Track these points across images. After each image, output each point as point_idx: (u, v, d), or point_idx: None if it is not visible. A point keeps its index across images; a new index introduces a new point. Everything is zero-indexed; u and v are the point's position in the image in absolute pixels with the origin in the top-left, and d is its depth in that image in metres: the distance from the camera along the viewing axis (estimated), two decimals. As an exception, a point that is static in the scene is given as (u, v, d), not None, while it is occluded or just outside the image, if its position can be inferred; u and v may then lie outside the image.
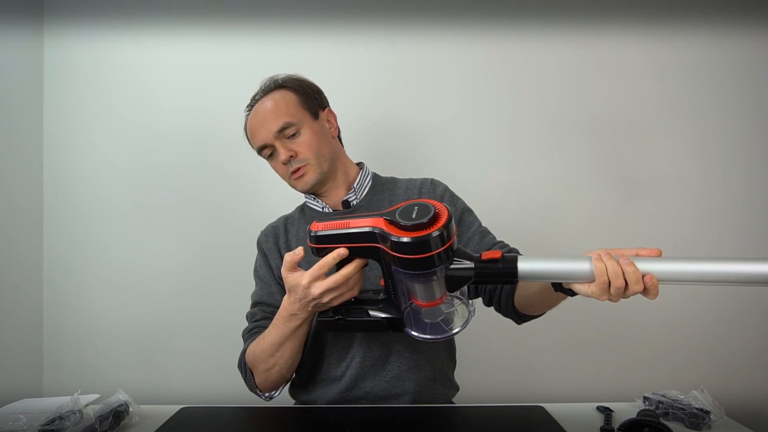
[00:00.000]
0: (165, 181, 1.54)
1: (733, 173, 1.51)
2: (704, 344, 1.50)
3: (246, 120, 1.04)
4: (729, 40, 1.50)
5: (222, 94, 1.53)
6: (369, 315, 0.79)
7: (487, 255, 0.69)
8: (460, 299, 0.75)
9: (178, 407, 0.91)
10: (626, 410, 0.87)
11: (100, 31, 1.54)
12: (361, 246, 0.72)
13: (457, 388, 1.07)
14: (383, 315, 0.78)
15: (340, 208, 1.04)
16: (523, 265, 0.68)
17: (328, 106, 1.08)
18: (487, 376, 1.48)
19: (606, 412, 0.85)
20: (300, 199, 1.12)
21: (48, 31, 1.55)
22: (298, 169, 0.98)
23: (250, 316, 1.02)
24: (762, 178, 1.51)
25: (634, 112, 1.52)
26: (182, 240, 1.54)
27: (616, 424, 0.78)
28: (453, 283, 0.70)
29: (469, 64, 1.52)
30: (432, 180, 1.07)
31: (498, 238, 1.00)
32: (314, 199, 1.06)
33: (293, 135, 0.98)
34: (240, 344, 0.99)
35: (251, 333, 0.98)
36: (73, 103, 1.55)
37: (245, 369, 0.95)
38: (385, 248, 0.68)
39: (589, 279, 0.66)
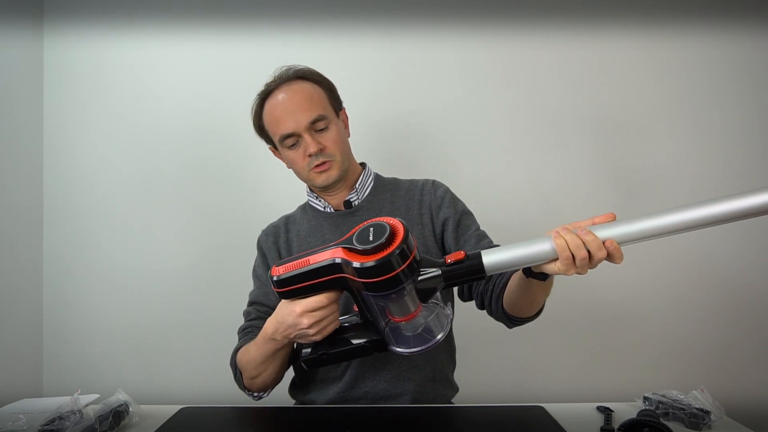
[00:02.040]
0: (165, 181, 1.54)
1: (732, 173, 1.51)
2: (704, 344, 1.50)
3: (261, 106, 1.02)
4: (729, 40, 1.50)
5: (222, 94, 1.53)
6: (351, 343, 0.77)
7: (451, 257, 0.70)
8: (436, 304, 0.74)
9: (178, 407, 0.91)
10: (626, 410, 0.87)
11: (100, 31, 1.54)
12: (326, 280, 0.71)
13: (456, 389, 1.07)
14: (364, 339, 0.77)
15: (342, 208, 1.04)
16: (488, 258, 0.68)
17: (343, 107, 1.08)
18: (486, 376, 1.48)
19: (606, 412, 0.85)
20: (301, 198, 1.12)
21: (48, 31, 1.55)
22: (324, 163, 0.98)
23: (245, 314, 1.03)
24: (762, 178, 1.50)
25: (634, 112, 1.52)
26: (182, 240, 1.54)
27: (616, 424, 0.78)
28: (424, 293, 0.70)
29: (469, 64, 1.52)
30: (433, 181, 1.07)
31: (497, 239, 1.00)
32: (317, 198, 1.06)
33: (323, 129, 0.98)
34: (238, 344, 0.99)
35: (245, 332, 0.99)
36: (73, 103, 1.55)
37: (235, 368, 0.96)
38: (350, 276, 0.68)
39: (553, 257, 0.67)
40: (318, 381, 1.00)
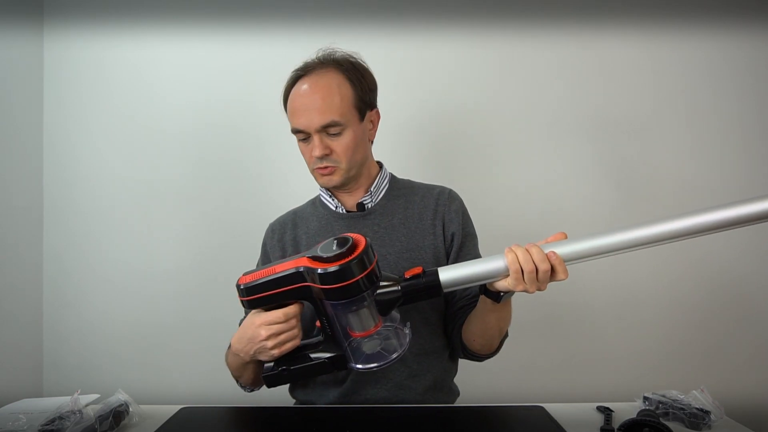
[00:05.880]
0: (165, 180, 1.54)
1: (732, 173, 1.51)
2: (704, 344, 1.50)
3: (293, 86, 0.97)
4: (729, 40, 1.50)
5: (224, 93, 1.52)
6: (311, 359, 0.79)
7: (409, 272, 0.74)
8: (394, 324, 0.77)
9: (178, 407, 0.91)
10: (626, 410, 0.86)
11: (100, 30, 1.54)
12: (290, 288, 0.74)
13: (457, 394, 1.06)
14: (326, 355, 0.79)
15: (355, 210, 1.02)
16: (444, 275, 0.73)
17: (377, 106, 1.03)
18: (487, 376, 1.48)
19: (606, 412, 0.85)
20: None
21: (48, 31, 1.55)
22: (327, 167, 0.95)
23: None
24: (762, 178, 1.50)
25: (634, 112, 1.52)
26: (183, 240, 1.54)
27: (616, 424, 0.78)
28: (383, 306, 0.74)
29: (468, 64, 1.52)
30: (450, 192, 1.05)
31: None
32: (330, 196, 1.03)
33: (335, 134, 0.94)
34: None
35: None
36: (73, 102, 1.55)
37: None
38: (313, 284, 0.71)
39: (506, 273, 0.71)
40: (319, 382, 1.00)
